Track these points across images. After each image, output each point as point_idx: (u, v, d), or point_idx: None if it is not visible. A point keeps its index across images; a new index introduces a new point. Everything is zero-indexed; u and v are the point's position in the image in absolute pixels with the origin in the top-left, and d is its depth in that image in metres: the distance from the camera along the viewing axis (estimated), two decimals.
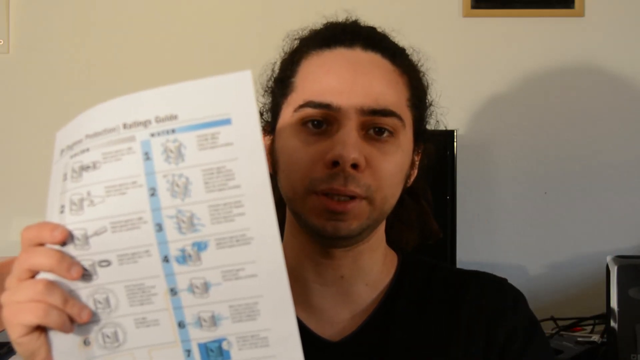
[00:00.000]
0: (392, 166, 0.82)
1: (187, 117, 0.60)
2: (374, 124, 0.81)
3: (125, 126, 0.61)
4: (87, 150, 0.62)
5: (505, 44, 1.75)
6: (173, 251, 0.61)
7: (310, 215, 0.81)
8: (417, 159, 0.90)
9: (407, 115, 0.85)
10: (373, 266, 0.89)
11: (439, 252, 1.51)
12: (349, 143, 0.79)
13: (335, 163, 0.79)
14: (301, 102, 0.82)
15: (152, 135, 0.60)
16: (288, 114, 0.84)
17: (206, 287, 0.62)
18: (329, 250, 0.85)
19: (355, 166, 0.79)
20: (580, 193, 1.74)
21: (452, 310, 0.88)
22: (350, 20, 0.91)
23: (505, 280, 0.93)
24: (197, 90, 0.61)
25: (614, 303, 1.34)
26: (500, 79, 1.75)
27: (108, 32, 1.79)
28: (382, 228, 0.90)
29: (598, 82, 1.75)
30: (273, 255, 0.61)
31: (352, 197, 0.80)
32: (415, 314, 0.88)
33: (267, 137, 0.89)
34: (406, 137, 0.85)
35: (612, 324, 1.35)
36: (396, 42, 0.89)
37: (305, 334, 0.86)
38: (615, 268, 1.34)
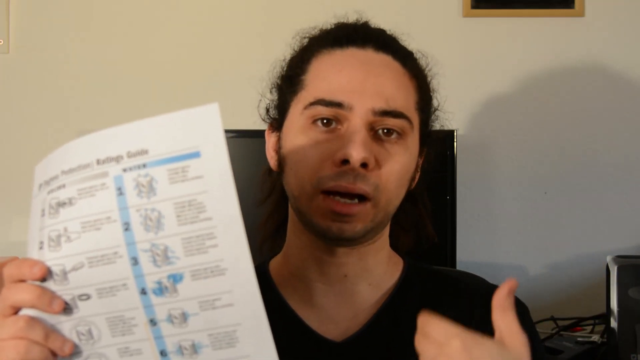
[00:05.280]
0: (399, 167, 0.83)
1: (158, 152, 0.61)
2: (384, 125, 0.82)
3: (98, 162, 0.62)
4: (63, 186, 0.63)
5: (505, 44, 1.75)
6: (150, 284, 0.62)
7: (316, 216, 0.81)
8: (420, 162, 0.90)
9: (415, 119, 0.85)
10: (377, 266, 0.89)
11: (439, 252, 1.51)
12: (359, 142, 0.79)
13: (344, 161, 0.79)
14: (312, 100, 0.82)
15: (124, 170, 0.61)
16: (297, 112, 0.84)
17: (184, 317, 0.63)
18: (332, 248, 0.85)
19: (364, 165, 0.79)
20: (580, 193, 1.74)
21: (457, 321, 0.88)
22: (361, 21, 0.91)
23: None
24: (167, 124, 0.62)
25: (614, 303, 1.34)
26: (500, 79, 1.75)
27: (108, 32, 1.78)
28: (387, 230, 0.90)
29: (598, 82, 1.75)
30: (248, 284, 0.62)
31: (360, 198, 0.80)
32: None
33: (274, 134, 0.90)
34: (414, 140, 0.85)
35: (612, 324, 1.35)
36: (405, 46, 0.90)
37: (308, 334, 0.86)
38: (615, 268, 1.33)
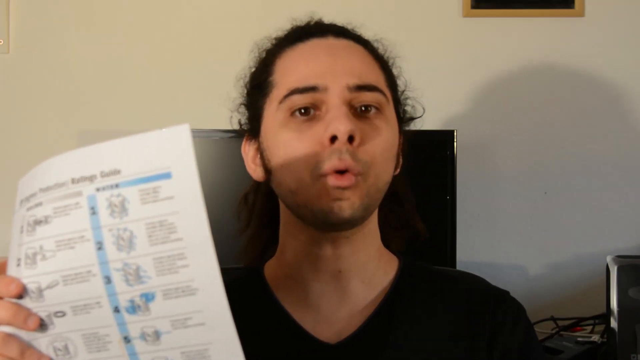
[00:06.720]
0: (384, 141, 0.84)
1: (130, 172, 0.62)
2: (361, 101, 0.83)
3: (73, 181, 0.63)
4: (40, 204, 0.64)
5: (505, 44, 1.75)
6: (123, 302, 0.63)
7: (317, 201, 0.81)
8: (400, 142, 0.91)
9: (388, 94, 0.87)
10: (368, 262, 0.89)
11: (439, 252, 1.51)
12: (343, 116, 0.80)
13: (333, 138, 0.80)
14: (285, 92, 0.83)
15: (98, 190, 0.62)
16: (273, 110, 0.85)
17: (157, 335, 0.64)
18: (329, 236, 0.85)
19: (351, 138, 0.80)
20: (580, 193, 1.74)
21: (454, 320, 0.88)
22: (314, 20, 0.93)
23: (507, 293, 0.94)
24: (139, 145, 0.62)
25: (614, 303, 1.34)
26: (500, 79, 1.75)
27: (108, 32, 1.79)
28: (374, 219, 0.90)
29: (598, 82, 1.75)
30: (218, 304, 0.62)
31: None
32: (417, 320, 0.88)
33: (252, 144, 0.90)
34: (391, 113, 0.87)
35: (612, 324, 1.35)
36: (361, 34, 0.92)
37: (303, 336, 0.86)
38: (615, 268, 1.34)
